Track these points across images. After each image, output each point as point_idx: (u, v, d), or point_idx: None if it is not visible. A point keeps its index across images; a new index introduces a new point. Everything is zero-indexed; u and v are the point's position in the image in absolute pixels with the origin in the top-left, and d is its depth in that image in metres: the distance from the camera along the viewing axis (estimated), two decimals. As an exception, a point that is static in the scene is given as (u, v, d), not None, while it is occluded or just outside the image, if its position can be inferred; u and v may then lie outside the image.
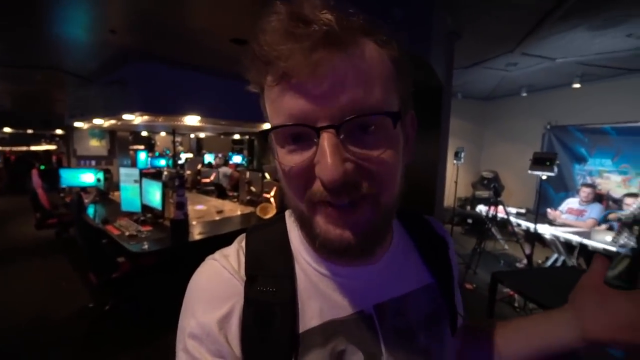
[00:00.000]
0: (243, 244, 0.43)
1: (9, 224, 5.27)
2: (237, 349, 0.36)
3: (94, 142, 6.55)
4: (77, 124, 4.97)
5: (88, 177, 4.27)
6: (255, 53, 0.31)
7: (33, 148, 12.29)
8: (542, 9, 2.30)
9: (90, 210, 3.16)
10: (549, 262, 3.67)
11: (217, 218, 3.16)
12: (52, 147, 12.15)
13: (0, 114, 7.92)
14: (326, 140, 0.30)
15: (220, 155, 8.00)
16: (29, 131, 10.66)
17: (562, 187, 4.94)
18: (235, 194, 4.47)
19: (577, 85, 4.21)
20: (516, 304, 2.92)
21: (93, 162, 6.44)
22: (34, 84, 4.24)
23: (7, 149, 11.47)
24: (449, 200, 4.61)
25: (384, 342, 0.40)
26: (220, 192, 4.60)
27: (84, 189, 4.15)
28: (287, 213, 0.46)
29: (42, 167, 7.47)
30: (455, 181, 4.35)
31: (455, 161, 4.27)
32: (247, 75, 0.35)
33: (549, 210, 3.41)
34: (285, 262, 0.41)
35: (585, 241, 3.16)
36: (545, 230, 3.62)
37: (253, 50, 0.31)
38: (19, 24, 2.14)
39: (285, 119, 0.32)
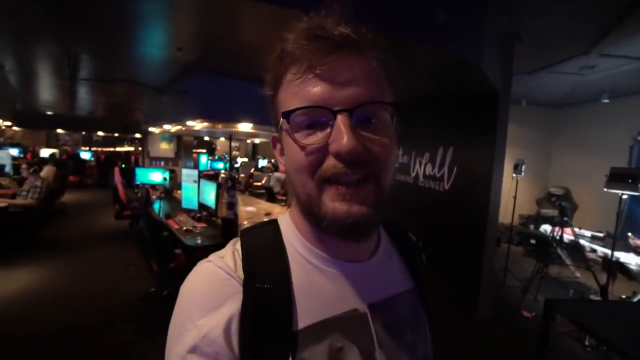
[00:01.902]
0: (238, 245, 0.44)
1: (96, 213, 6.15)
2: (236, 349, 0.36)
3: (164, 145, 7.38)
4: (150, 129, 5.65)
5: (156, 176, 4.82)
6: (282, 51, 0.38)
7: (118, 149, 14.30)
8: (624, 1, 2.00)
9: (156, 206, 3.56)
10: (637, 298, 3.11)
11: (265, 219, 3.30)
12: (131, 148, 13.99)
13: (95, 121, 9.39)
14: (342, 120, 0.35)
15: (272, 160, 8.39)
16: (115, 134, 12.43)
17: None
18: (284, 198, 4.65)
19: (676, 90, 3.56)
20: (587, 342, 2.51)
21: (162, 163, 7.25)
22: (118, 95, 4.97)
23: (99, 149, 13.53)
24: (506, 217, 4.20)
25: (377, 338, 0.42)
26: (270, 195, 4.83)
27: (153, 186, 4.69)
28: (279, 217, 0.49)
29: (124, 165, 8.59)
30: (514, 196, 3.94)
31: (514, 174, 3.88)
32: (265, 76, 0.42)
33: (630, 236, 2.89)
34: (280, 259, 0.42)
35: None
36: (630, 259, 3.09)
37: (280, 49, 0.39)
38: (111, 45, 2.56)
39: (306, 104, 0.37)
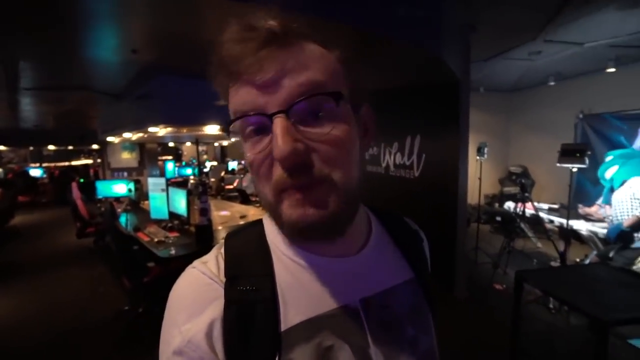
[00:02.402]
0: (222, 249, 0.44)
1: (53, 233, 5.71)
2: (220, 353, 0.36)
3: (126, 155, 6.97)
4: (109, 139, 5.31)
5: (120, 188, 4.56)
6: (215, 62, 0.36)
7: (74, 163, 13.28)
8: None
9: (123, 219, 3.36)
10: (587, 261, 3.43)
11: (241, 222, 3.25)
12: (89, 161, 13.07)
13: (44, 133, 8.63)
14: (277, 123, 0.33)
15: (242, 162, 8.22)
16: (69, 147, 11.53)
17: (599, 180, 4.61)
18: (258, 199, 4.57)
19: (611, 70, 3.93)
20: (551, 306, 2.75)
21: (125, 174, 6.86)
22: (69, 103, 4.60)
23: (52, 164, 12.48)
24: (473, 198, 4.43)
25: (371, 335, 0.40)
26: (243, 197, 4.73)
27: (117, 199, 4.43)
28: (264, 216, 0.47)
29: (82, 180, 8.02)
30: (480, 178, 4.17)
31: (478, 157, 4.11)
32: (215, 88, 0.39)
33: (580, 206, 3.19)
34: (264, 260, 0.41)
35: (628, 237, 2.92)
36: (581, 226, 3.39)
37: (213, 60, 0.36)
38: (58, 50, 2.34)
39: (242, 112, 0.35)
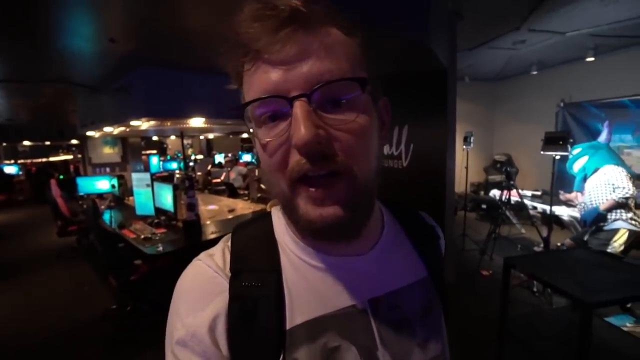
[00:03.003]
0: (229, 242, 0.43)
1: (33, 233, 5.50)
2: (224, 348, 0.35)
3: (107, 150, 6.74)
4: (89, 133, 5.11)
5: (103, 184, 4.41)
6: (230, 42, 0.33)
7: (52, 159, 12.76)
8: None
9: (106, 216, 3.26)
10: (564, 245, 3.57)
11: (230, 217, 3.21)
12: (69, 157, 12.58)
13: (19, 128, 8.24)
14: (298, 107, 0.31)
15: (229, 154, 8.09)
16: (47, 143, 11.06)
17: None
18: (246, 192, 4.52)
19: (590, 59, 4.03)
20: (535, 289, 2.87)
21: (107, 169, 6.64)
22: (44, 97, 4.38)
23: (28, 161, 11.96)
24: (460, 186, 4.52)
25: (379, 336, 0.39)
26: (231, 191, 4.67)
27: (100, 196, 4.29)
28: (274, 209, 0.46)
29: (61, 176, 7.72)
30: (466, 166, 4.25)
31: (464, 146, 4.17)
32: (227, 70, 0.37)
33: (561, 192, 3.31)
34: (270, 255, 0.40)
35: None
36: (562, 211, 3.51)
37: (229, 39, 0.33)
38: (23, 36, 2.20)
39: (260, 94, 0.32)
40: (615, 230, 2.49)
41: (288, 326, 0.36)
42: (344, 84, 0.32)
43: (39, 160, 12.41)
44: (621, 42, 3.70)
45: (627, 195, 2.45)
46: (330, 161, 0.32)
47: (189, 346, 0.35)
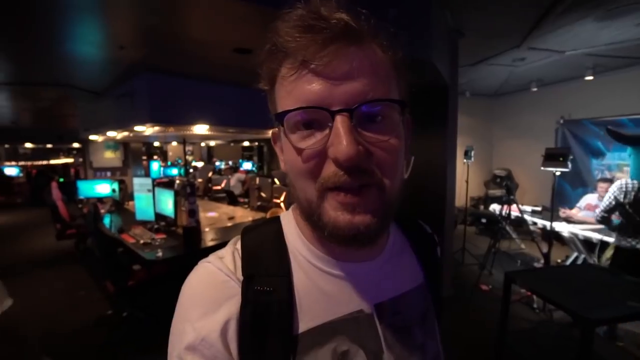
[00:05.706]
0: (238, 245, 0.43)
1: (31, 235, 5.46)
2: (234, 352, 0.35)
3: (109, 154, 6.75)
4: (91, 137, 5.13)
5: (103, 188, 4.41)
6: (274, 44, 0.34)
7: (52, 162, 12.77)
8: (543, 3, 2.27)
9: (106, 220, 3.25)
10: (569, 261, 3.55)
11: (229, 224, 3.20)
12: (70, 160, 12.60)
13: (21, 131, 8.27)
14: (340, 122, 0.32)
15: (230, 162, 8.11)
16: (48, 146, 11.09)
17: (579, 183, 4.79)
18: (246, 200, 4.52)
19: (589, 78, 4.10)
20: (535, 305, 2.84)
21: (108, 174, 6.64)
22: (48, 100, 4.42)
23: (29, 163, 11.97)
24: (460, 200, 4.53)
25: (384, 340, 0.40)
26: (231, 198, 4.66)
27: (100, 200, 4.28)
28: (282, 214, 0.47)
29: (61, 179, 7.72)
30: (467, 180, 4.27)
31: (465, 160, 4.20)
32: (259, 70, 0.38)
33: (561, 209, 3.30)
34: (281, 260, 0.41)
35: (606, 238, 3.03)
36: (563, 228, 3.51)
37: (272, 42, 0.34)
38: (32, 43, 2.23)
39: (301, 103, 0.33)
40: (608, 244, 2.45)
41: (298, 331, 0.37)
42: (388, 104, 0.34)
43: (40, 162, 12.43)
44: (619, 63, 3.78)
45: (598, 218, 2.42)
46: (368, 174, 0.33)
47: (198, 351, 0.34)
